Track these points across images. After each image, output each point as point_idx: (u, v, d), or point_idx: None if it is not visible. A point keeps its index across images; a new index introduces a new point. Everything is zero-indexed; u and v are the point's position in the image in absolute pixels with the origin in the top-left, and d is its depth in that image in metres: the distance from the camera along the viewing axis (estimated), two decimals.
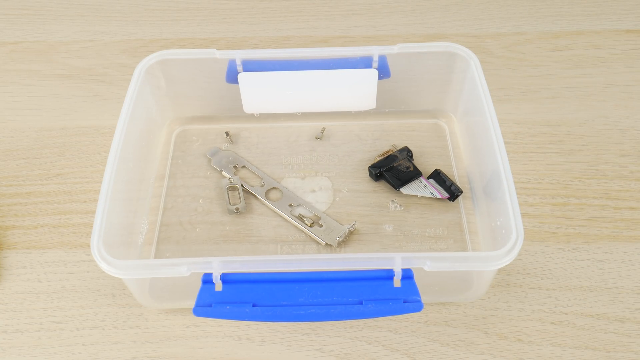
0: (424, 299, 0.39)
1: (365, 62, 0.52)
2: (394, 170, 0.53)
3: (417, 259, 0.39)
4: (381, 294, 0.39)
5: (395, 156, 0.54)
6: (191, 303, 0.39)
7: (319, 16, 0.71)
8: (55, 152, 0.57)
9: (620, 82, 0.63)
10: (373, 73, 0.53)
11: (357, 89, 0.55)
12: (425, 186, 0.52)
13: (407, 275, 0.39)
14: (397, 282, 0.39)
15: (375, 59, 0.52)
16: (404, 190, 0.52)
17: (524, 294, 0.47)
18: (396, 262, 0.39)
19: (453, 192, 0.52)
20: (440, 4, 0.72)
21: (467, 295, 0.46)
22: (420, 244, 0.50)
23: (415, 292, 0.39)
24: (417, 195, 0.52)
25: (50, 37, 0.69)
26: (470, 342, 0.45)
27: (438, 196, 0.51)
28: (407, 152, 0.55)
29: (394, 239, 0.50)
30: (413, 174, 0.53)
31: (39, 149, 0.58)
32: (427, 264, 0.39)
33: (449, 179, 0.53)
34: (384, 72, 0.53)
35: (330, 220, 0.50)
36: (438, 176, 0.53)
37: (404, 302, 0.39)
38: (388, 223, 0.51)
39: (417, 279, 0.39)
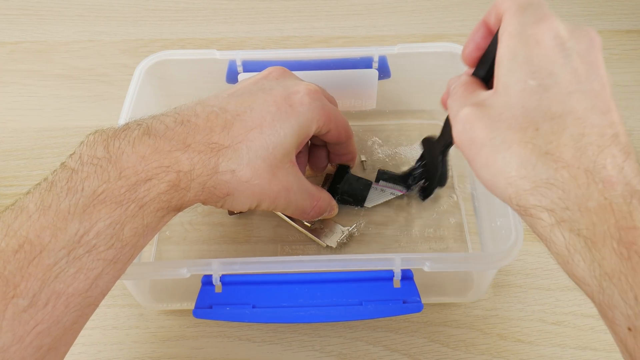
0: (424, 299, 0.39)
1: (366, 63, 0.52)
2: (347, 191, 0.51)
3: (417, 260, 0.39)
4: (381, 295, 0.39)
5: (339, 175, 0.51)
6: (191, 304, 0.39)
7: (319, 16, 0.71)
8: (56, 153, 0.57)
9: (620, 82, 0.63)
10: (373, 73, 0.53)
11: (357, 89, 0.55)
12: (382, 190, 0.52)
13: (407, 276, 0.39)
14: (396, 282, 0.39)
15: (376, 59, 0.52)
16: (368, 204, 0.51)
17: (524, 294, 0.47)
18: (396, 263, 0.39)
19: (408, 182, 0.51)
20: (440, 4, 0.72)
21: (467, 296, 0.46)
22: (420, 244, 0.50)
23: (415, 292, 0.39)
24: (382, 202, 0.52)
25: (50, 37, 0.69)
26: (470, 343, 0.45)
27: (398, 193, 0.51)
28: (346, 168, 0.52)
29: (394, 239, 0.50)
30: (365, 185, 0.52)
31: (39, 149, 0.58)
32: (427, 265, 0.39)
33: (393, 173, 0.52)
34: (384, 72, 0.53)
35: (330, 222, 0.50)
36: (385, 174, 0.52)
37: (404, 302, 0.39)
38: (388, 223, 0.51)
39: (417, 280, 0.39)
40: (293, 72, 0.51)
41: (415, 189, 0.52)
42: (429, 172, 0.49)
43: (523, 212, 0.30)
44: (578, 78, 0.30)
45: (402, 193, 0.52)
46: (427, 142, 0.49)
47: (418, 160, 0.51)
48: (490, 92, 0.33)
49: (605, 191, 0.28)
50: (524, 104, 0.30)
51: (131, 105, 0.48)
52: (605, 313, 0.28)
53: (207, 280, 0.40)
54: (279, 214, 0.51)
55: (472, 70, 0.37)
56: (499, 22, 0.33)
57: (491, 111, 0.31)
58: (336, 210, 0.48)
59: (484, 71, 0.36)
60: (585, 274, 0.28)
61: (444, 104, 0.38)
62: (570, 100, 0.30)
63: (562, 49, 0.30)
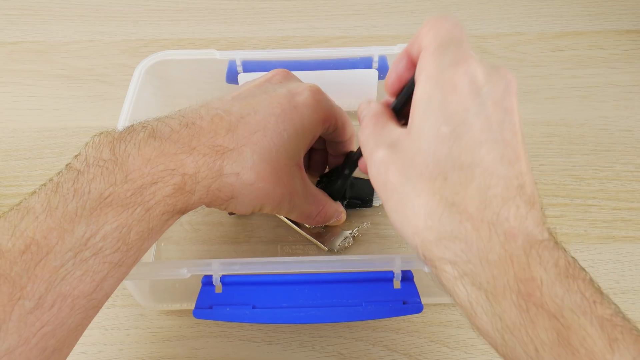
0: (424, 299, 0.39)
1: (366, 63, 0.52)
2: (353, 194, 0.51)
3: (417, 261, 0.39)
4: (381, 296, 0.39)
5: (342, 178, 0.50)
6: (191, 304, 0.39)
7: (319, 16, 0.71)
8: (56, 153, 0.57)
9: (620, 82, 0.63)
10: (373, 73, 0.53)
11: (357, 90, 0.55)
12: None
13: (407, 277, 0.39)
14: (397, 283, 0.39)
15: (376, 59, 0.52)
16: (376, 202, 0.51)
17: None
18: (396, 264, 0.39)
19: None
20: (440, 4, 0.72)
21: None
22: None
23: (415, 293, 0.39)
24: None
25: (50, 37, 0.69)
26: (470, 343, 0.45)
27: None
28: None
29: (394, 240, 0.50)
30: (368, 184, 0.49)
31: (39, 149, 0.58)
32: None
33: None
34: (384, 72, 0.53)
35: (331, 225, 0.50)
36: None
37: (404, 303, 0.39)
38: (388, 224, 0.51)
39: (417, 280, 0.39)
40: (293, 72, 0.51)
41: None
42: (334, 181, 0.48)
43: (428, 262, 0.30)
44: (490, 127, 0.30)
45: None
46: (347, 154, 0.47)
47: (338, 167, 0.49)
48: (403, 131, 0.32)
49: (506, 243, 0.28)
50: (435, 151, 0.30)
51: (131, 105, 0.48)
52: None
53: (207, 281, 0.40)
54: (282, 217, 0.51)
55: (384, 99, 0.37)
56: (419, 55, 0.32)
57: (404, 155, 0.31)
58: (344, 217, 0.48)
59: (399, 104, 0.35)
60: (488, 327, 0.28)
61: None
62: (481, 151, 0.29)
63: (477, 95, 0.30)
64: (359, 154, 0.42)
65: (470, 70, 0.30)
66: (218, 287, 0.39)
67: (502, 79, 0.31)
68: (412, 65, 0.34)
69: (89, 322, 0.33)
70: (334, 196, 0.47)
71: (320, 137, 0.45)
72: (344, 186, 0.47)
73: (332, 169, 0.51)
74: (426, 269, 0.39)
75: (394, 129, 0.33)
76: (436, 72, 0.30)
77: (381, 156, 0.32)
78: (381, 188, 0.32)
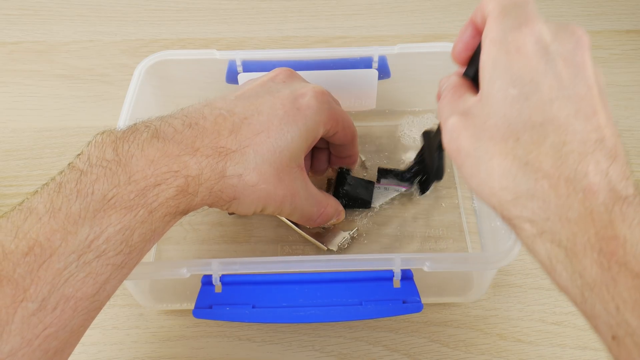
0: (424, 299, 0.39)
1: (366, 63, 0.52)
2: (352, 195, 0.51)
3: (417, 260, 0.39)
4: (381, 295, 0.39)
5: (341, 179, 0.51)
6: (191, 304, 0.39)
7: (319, 16, 0.71)
8: (56, 153, 0.57)
9: (620, 82, 0.63)
10: (373, 73, 0.53)
11: (357, 89, 0.55)
12: (386, 188, 0.52)
13: (407, 276, 0.39)
14: (396, 282, 0.39)
15: (376, 59, 0.52)
16: (375, 204, 0.51)
17: (524, 294, 0.47)
18: (395, 263, 0.39)
19: (407, 177, 0.51)
20: (441, 4, 0.72)
21: (467, 296, 0.46)
22: (420, 244, 0.50)
23: (415, 292, 0.39)
24: (387, 200, 0.52)
25: (50, 37, 0.69)
26: (470, 343, 0.45)
27: (402, 190, 0.51)
28: (346, 171, 0.51)
29: (394, 239, 0.50)
30: (368, 186, 0.51)
31: (39, 149, 0.58)
32: (427, 265, 0.39)
33: (394, 169, 0.52)
34: (384, 72, 0.53)
35: (331, 225, 0.50)
36: (386, 172, 0.52)
37: (404, 302, 0.39)
38: (388, 223, 0.51)
39: (417, 280, 0.39)
40: None
41: (415, 183, 0.51)
42: (426, 166, 0.49)
43: (507, 221, 0.31)
44: (561, 83, 0.29)
45: (405, 189, 0.51)
46: (426, 135, 0.48)
47: (418, 154, 0.50)
48: (476, 98, 0.33)
49: (586, 200, 0.27)
50: (505, 113, 0.30)
51: (131, 105, 0.48)
52: (589, 321, 0.28)
53: (207, 280, 0.40)
54: (281, 217, 0.51)
55: (462, 70, 0.37)
56: (485, 22, 0.32)
57: (476, 120, 0.31)
58: (343, 216, 0.48)
59: (473, 71, 0.35)
60: (568, 284, 0.28)
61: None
62: (552, 108, 0.29)
63: (545, 53, 0.30)
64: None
65: (535, 30, 0.30)
66: (218, 287, 0.39)
67: (571, 35, 0.31)
68: (478, 32, 0.34)
69: (90, 323, 0.33)
70: (436, 176, 0.48)
71: (322, 137, 0.45)
72: (441, 163, 0.47)
73: (337, 174, 0.51)
74: (426, 268, 0.39)
75: (469, 99, 0.33)
76: (500, 35, 0.30)
77: (453, 122, 0.32)
78: (454, 154, 0.33)
